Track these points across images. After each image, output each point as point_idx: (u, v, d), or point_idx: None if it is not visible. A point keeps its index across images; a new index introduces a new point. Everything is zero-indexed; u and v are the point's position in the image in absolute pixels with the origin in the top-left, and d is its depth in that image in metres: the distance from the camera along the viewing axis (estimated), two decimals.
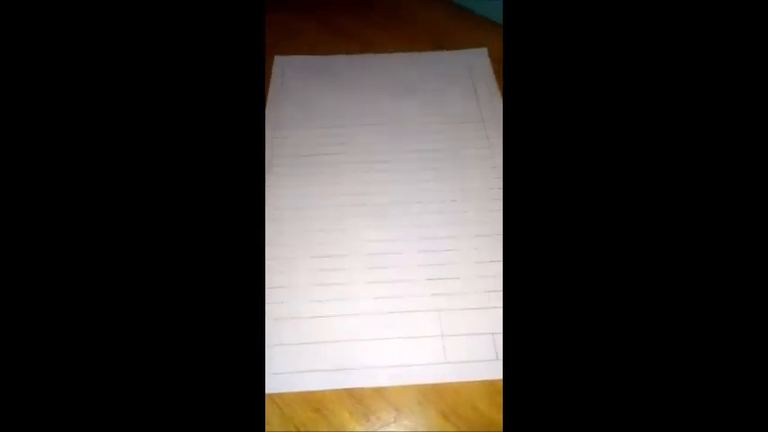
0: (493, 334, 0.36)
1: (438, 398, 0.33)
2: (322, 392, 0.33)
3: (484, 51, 0.60)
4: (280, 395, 0.33)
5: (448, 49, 0.61)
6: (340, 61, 0.60)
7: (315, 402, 0.33)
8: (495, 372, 0.34)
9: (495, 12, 0.63)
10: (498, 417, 0.32)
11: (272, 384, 0.33)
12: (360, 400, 0.33)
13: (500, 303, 0.37)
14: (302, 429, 0.32)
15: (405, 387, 0.33)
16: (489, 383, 0.33)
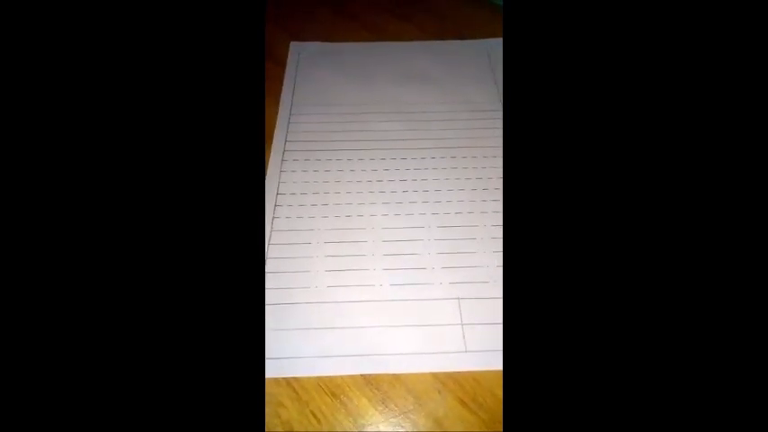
0: None
1: (457, 386, 0.32)
2: (339, 378, 0.33)
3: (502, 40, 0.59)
4: (296, 379, 0.33)
5: (466, 38, 0.60)
6: (356, 48, 0.59)
7: (332, 387, 0.32)
8: None
9: None
10: None
11: (289, 368, 0.33)
12: (378, 386, 0.32)
13: None
14: (319, 414, 0.31)
15: (423, 375, 0.33)
16: None
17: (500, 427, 0.31)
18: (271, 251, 0.39)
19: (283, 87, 0.53)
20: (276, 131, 0.48)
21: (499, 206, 0.42)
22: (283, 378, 0.33)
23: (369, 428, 0.31)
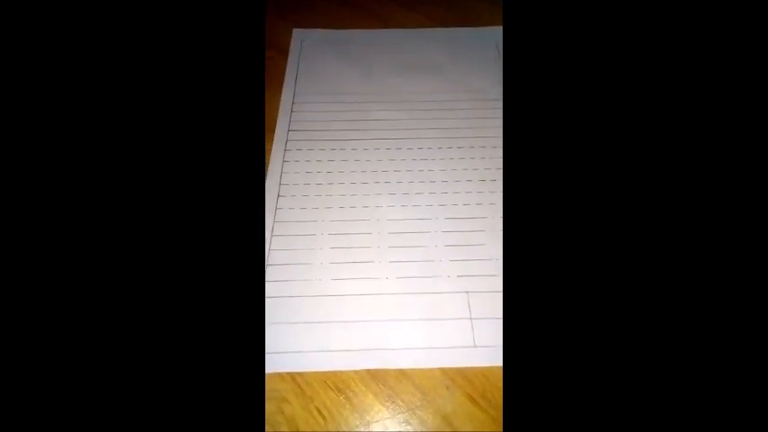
0: None
1: (466, 382, 0.31)
2: (345, 373, 0.32)
3: None
4: (300, 374, 0.32)
5: (473, 26, 0.58)
6: (360, 36, 0.57)
7: (337, 383, 0.31)
8: None
9: None
10: None
11: (292, 363, 0.32)
12: (384, 381, 0.32)
13: None
14: (324, 410, 0.31)
15: (431, 370, 0.32)
16: None
17: None
18: (274, 243, 0.38)
19: (286, 76, 0.52)
20: (279, 121, 0.47)
21: None
22: (287, 373, 0.32)
23: (375, 425, 0.30)
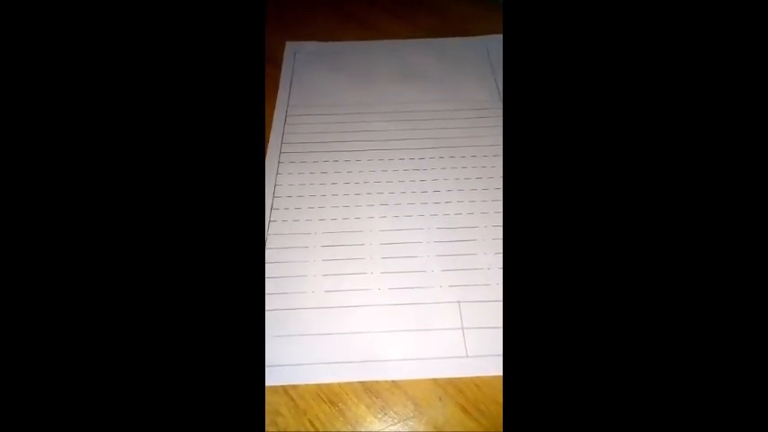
0: None
1: (458, 392, 0.32)
2: (337, 385, 0.32)
3: (501, 37, 0.58)
4: (293, 387, 0.32)
5: (464, 35, 0.59)
6: (352, 48, 0.58)
7: (330, 395, 0.32)
8: None
9: None
10: None
11: (285, 376, 0.32)
12: (377, 393, 0.32)
13: None
14: (317, 423, 0.31)
15: (423, 381, 0.32)
16: None
17: None
18: (266, 255, 0.38)
19: (279, 88, 0.52)
20: (272, 133, 0.48)
21: (501, 206, 0.41)
22: (280, 386, 0.32)
23: None
